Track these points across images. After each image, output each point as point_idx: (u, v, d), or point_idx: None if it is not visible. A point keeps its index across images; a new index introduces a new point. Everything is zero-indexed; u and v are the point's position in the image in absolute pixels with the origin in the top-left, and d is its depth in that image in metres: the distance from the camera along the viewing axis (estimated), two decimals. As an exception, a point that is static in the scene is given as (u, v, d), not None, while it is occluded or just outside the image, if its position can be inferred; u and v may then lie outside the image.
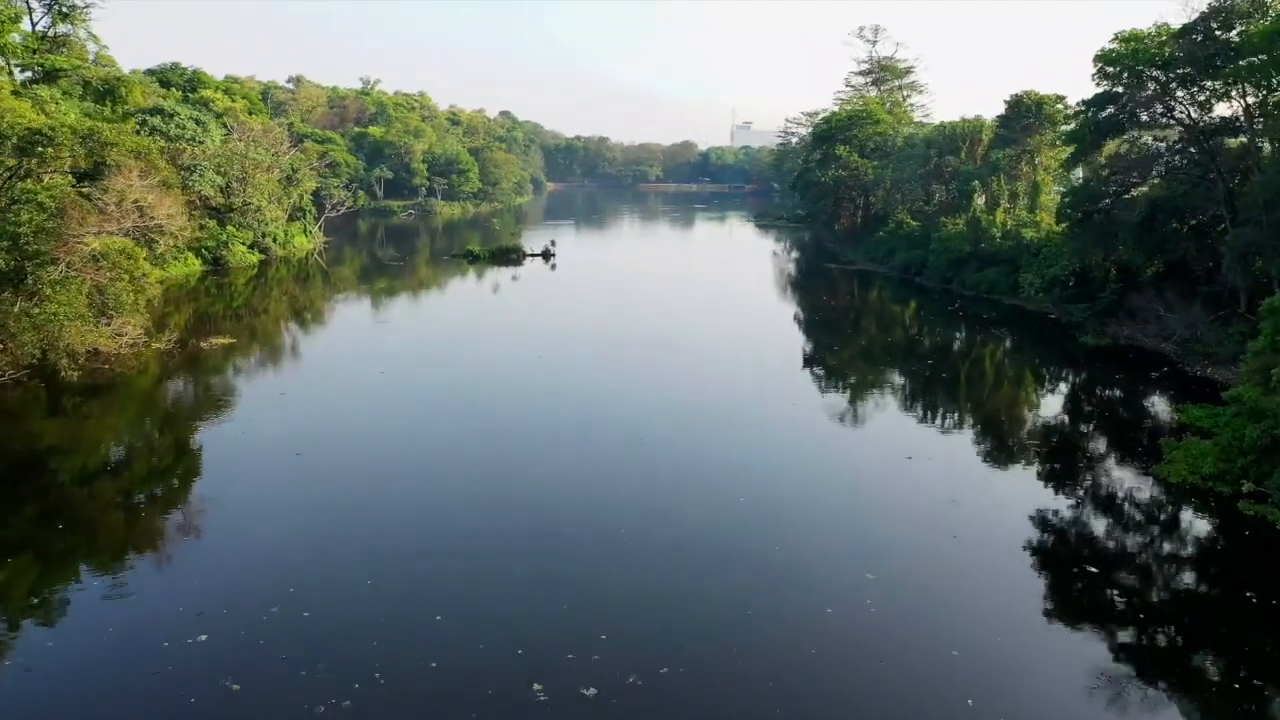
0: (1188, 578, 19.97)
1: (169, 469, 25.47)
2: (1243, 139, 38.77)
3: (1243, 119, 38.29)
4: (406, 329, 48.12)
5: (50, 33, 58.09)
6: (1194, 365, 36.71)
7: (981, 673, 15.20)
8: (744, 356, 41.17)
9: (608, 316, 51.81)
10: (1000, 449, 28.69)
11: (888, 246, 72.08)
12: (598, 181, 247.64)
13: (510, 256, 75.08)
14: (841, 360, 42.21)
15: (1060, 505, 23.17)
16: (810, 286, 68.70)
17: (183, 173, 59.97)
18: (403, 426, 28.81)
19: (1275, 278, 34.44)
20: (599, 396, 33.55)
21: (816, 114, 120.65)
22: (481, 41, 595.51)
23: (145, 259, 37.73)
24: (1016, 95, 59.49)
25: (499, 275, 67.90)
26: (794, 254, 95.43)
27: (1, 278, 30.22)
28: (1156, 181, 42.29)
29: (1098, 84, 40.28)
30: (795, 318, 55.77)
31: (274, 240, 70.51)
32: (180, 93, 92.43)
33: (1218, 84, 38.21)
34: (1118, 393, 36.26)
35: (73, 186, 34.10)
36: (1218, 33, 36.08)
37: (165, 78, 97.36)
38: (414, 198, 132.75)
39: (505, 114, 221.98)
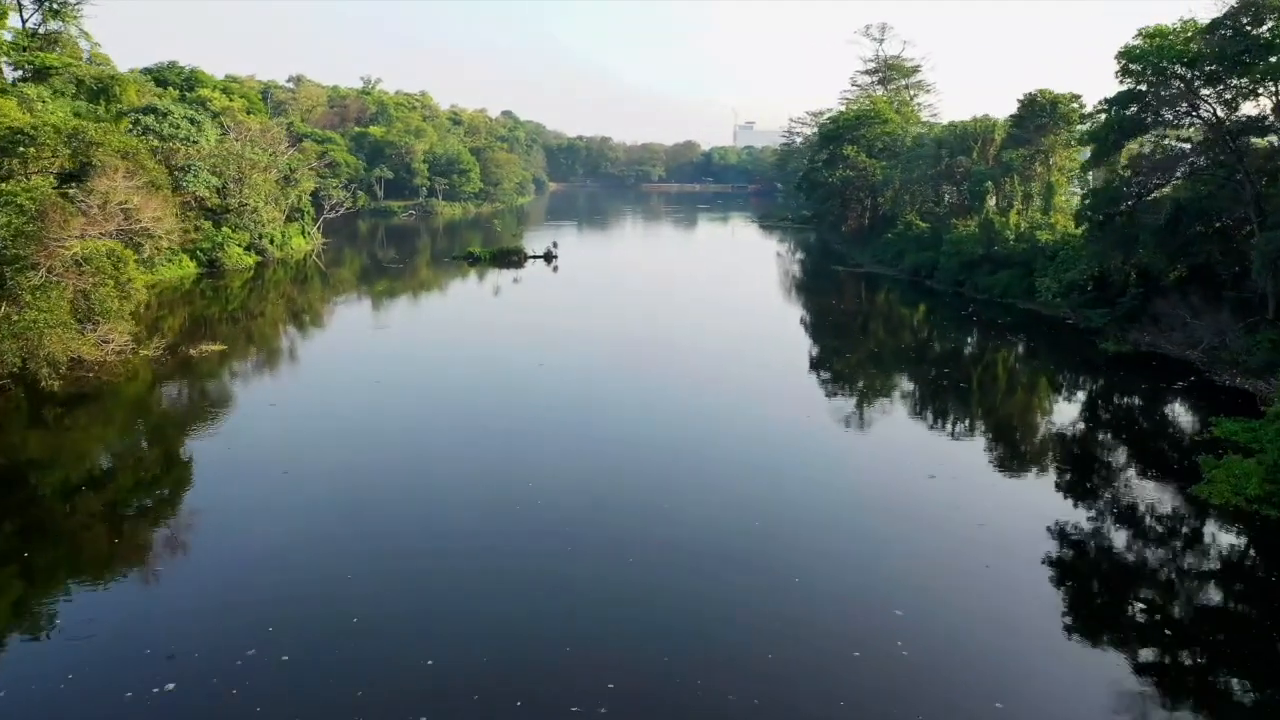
0: (1244, 611, 18.51)
1: (145, 488, 24.11)
2: (1272, 139, 37.35)
3: (1272, 117, 36.85)
4: (403, 335, 46.73)
5: (41, 30, 56.82)
6: (1221, 374, 35.25)
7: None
8: (752, 364, 39.78)
9: (610, 322, 50.42)
10: (1025, 465, 27.24)
11: (896, 248, 70.61)
12: (600, 181, 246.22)
13: (511, 258, 73.74)
14: (853, 367, 40.78)
15: (1096, 530, 21.73)
16: (818, 289, 67.26)
17: (176, 173, 58.74)
18: (397, 442, 27.40)
19: (1308, 283, 33.03)
20: (601, 407, 32.16)
21: (821, 113, 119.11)
22: (483, 41, 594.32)
23: (134, 263, 36.52)
24: (1030, 94, 58.00)
25: (500, 277, 66.55)
26: (800, 256, 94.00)
27: (-22, 283, 28.98)
28: (1179, 182, 40.83)
29: (1121, 81, 38.83)
30: (803, 321, 54.33)
31: (271, 242, 69.18)
32: (177, 92, 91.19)
33: (1245, 81, 36.77)
34: (1144, 403, 34.78)
35: (55, 188, 32.77)
36: (1248, 28, 34.63)
37: (162, 76, 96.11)
38: (415, 198, 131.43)
39: (507, 114, 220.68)
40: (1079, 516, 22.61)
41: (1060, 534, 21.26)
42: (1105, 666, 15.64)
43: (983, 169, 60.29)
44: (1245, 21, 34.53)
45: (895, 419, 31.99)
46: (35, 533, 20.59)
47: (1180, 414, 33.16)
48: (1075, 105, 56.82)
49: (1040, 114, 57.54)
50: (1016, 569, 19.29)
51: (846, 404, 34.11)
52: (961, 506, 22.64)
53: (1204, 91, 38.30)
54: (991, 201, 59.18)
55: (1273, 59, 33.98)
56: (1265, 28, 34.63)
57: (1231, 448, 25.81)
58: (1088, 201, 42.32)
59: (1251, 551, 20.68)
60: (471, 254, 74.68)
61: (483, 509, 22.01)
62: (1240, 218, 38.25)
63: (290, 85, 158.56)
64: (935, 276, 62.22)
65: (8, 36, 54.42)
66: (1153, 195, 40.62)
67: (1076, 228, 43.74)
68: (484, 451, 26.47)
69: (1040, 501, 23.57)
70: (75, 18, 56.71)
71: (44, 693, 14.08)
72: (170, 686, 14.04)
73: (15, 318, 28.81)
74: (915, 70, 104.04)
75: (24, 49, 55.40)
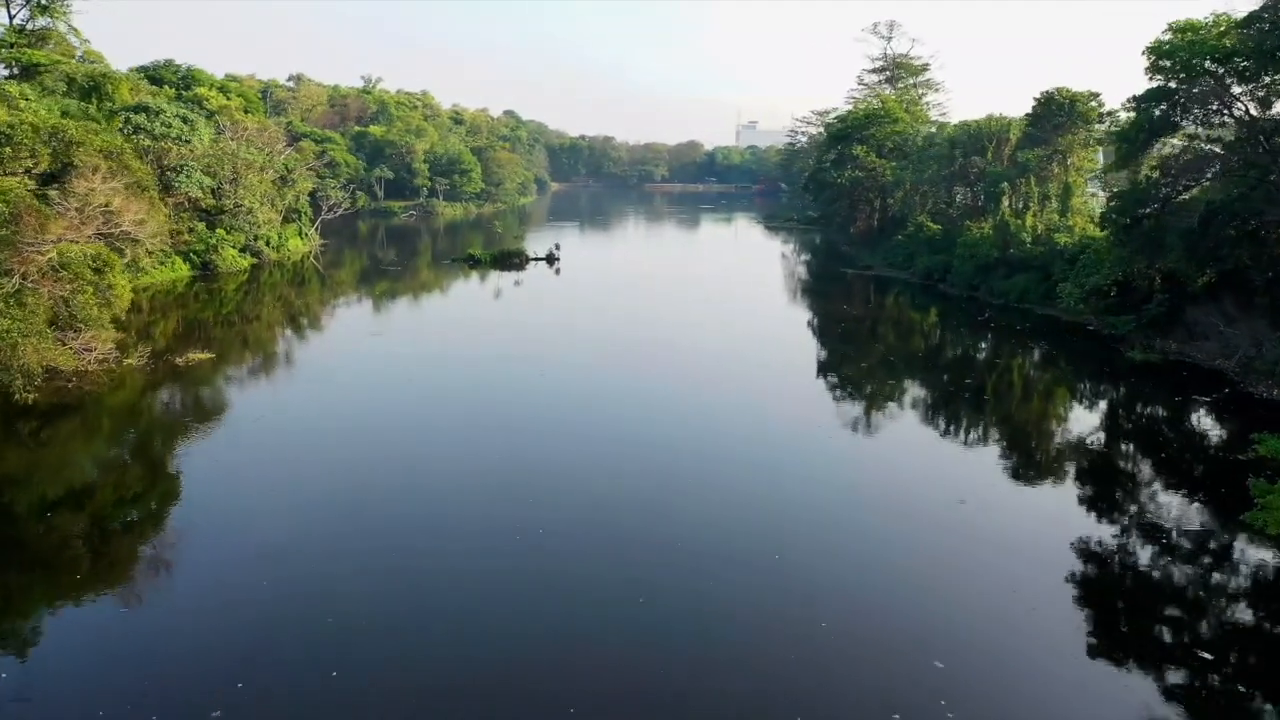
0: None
1: (121, 506, 22.49)
2: (1309, 138, 35.58)
3: (1309, 116, 35.16)
4: (399, 341, 44.98)
5: (29, 26, 55.28)
6: (1257, 386, 33.56)
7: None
8: (763, 373, 38.13)
9: (614, 327, 48.79)
10: (1060, 488, 25.48)
11: (907, 251, 68.90)
12: (603, 181, 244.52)
13: (513, 261, 72.13)
14: (869, 377, 39.04)
15: (1146, 567, 19.99)
16: (827, 292, 65.58)
17: (168, 173, 57.21)
18: (389, 458, 25.75)
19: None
20: (603, 416, 30.55)
21: (827, 112, 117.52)
22: (485, 40, 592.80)
23: (119, 268, 34.94)
24: (1047, 92, 56.24)
25: (501, 280, 64.93)
26: (807, 258, 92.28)
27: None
28: (1209, 184, 39.10)
29: (1150, 78, 37.11)
30: (814, 327, 52.64)
31: (267, 243, 67.59)
32: (173, 91, 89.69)
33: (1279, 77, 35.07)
34: (1178, 417, 33.04)
35: (32, 190, 31.17)
36: (1286, 21, 32.91)
37: (158, 75, 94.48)
38: (415, 198, 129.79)
39: (509, 113, 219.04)
40: (1126, 548, 20.91)
41: (1105, 570, 19.59)
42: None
43: (998, 169, 58.54)
44: (1284, 15, 32.81)
45: (916, 433, 30.29)
46: (4, 551, 19.14)
47: (1218, 429, 31.44)
48: (1094, 104, 55.10)
49: (1058, 113, 55.78)
50: (1053, 606, 17.62)
51: (873, 425, 32.30)
52: (991, 536, 20.97)
53: (1236, 89, 36.60)
54: (1006, 203, 57.42)
55: (1312, 54, 32.30)
56: (1305, 21, 32.92)
57: (1277, 468, 24.14)
58: (1113, 204, 40.56)
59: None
60: (472, 256, 73.06)
61: (483, 529, 20.43)
62: (1274, 221, 36.49)
63: (290, 84, 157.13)
64: (948, 280, 60.53)
65: (-5, 33, 53.02)
66: (1181, 197, 38.87)
67: (1101, 230, 41.96)
68: (484, 466, 24.86)
69: (1080, 529, 21.83)
70: (64, 13, 55.18)
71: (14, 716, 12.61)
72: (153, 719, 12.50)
73: (-13, 327, 27.24)
74: (924, 69, 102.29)
75: (11, 45, 53.86)
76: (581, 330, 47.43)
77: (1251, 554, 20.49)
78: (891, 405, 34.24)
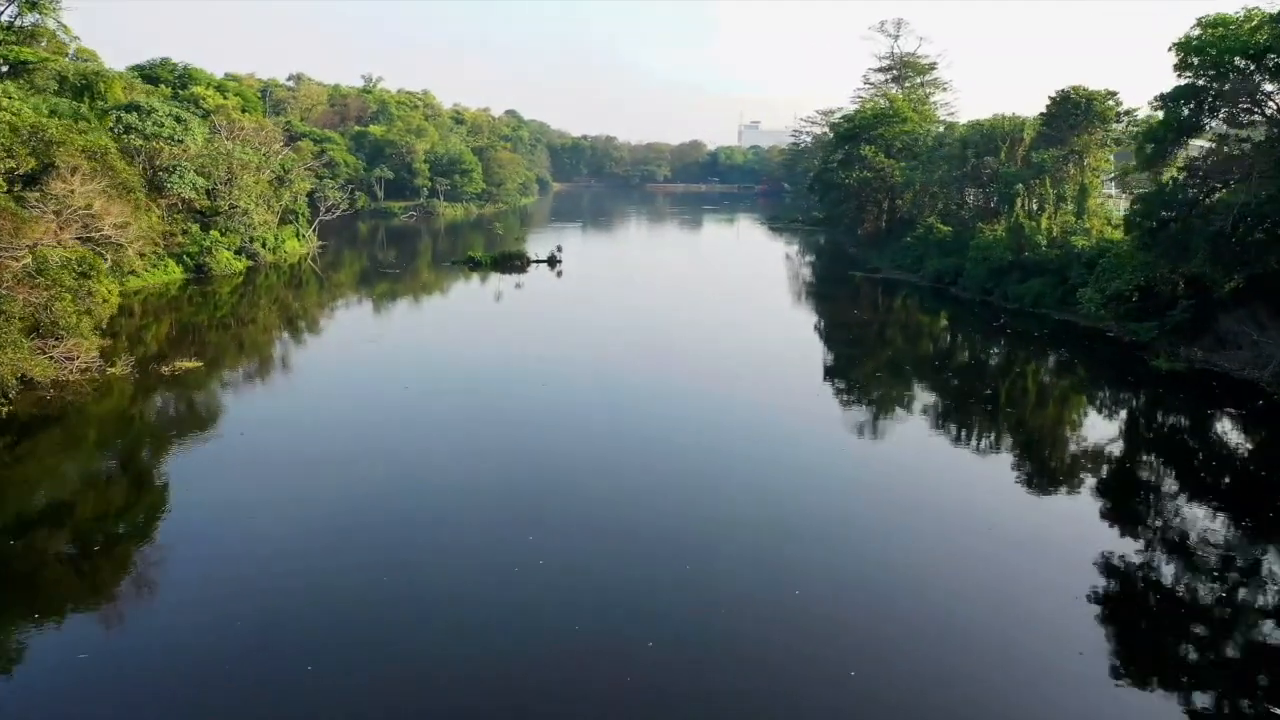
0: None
1: (86, 537, 20.97)
2: (1345, 138, 34.12)
3: (1345, 115, 33.65)
4: (394, 349, 43.35)
5: (17, 23, 53.86)
6: (1293, 397, 32.04)
7: None
8: (773, 381, 36.67)
9: (618, 333, 47.26)
10: (1092, 506, 23.97)
11: (917, 253, 67.38)
12: (604, 182, 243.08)
13: (514, 263, 70.63)
14: (886, 388, 37.42)
15: (1209, 608, 18.35)
16: (836, 296, 64.04)
17: (161, 174, 55.81)
18: (378, 481, 24.24)
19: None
20: (610, 430, 29.04)
21: (831, 112, 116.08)
22: (487, 39, 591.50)
23: (102, 272, 33.52)
24: (1063, 91, 54.74)
25: (501, 283, 63.46)
26: (814, 259, 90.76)
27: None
28: (1238, 185, 37.56)
29: (1179, 76, 35.60)
30: (824, 333, 51.10)
31: (263, 245, 66.18)
32: (170, 90, 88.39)
33: (1314, 75, 33.59)
34: (1215, 432, 31.39)
35: (7, 192, 29.70)
36: (1324, 15, 31.44)
37: (154, 74, 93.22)
38: (415, 199, 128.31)
39: (511, 113, 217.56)
40: (1181, 581, 19.40)
41: (1160, 606, 18.08)
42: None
43: (1013, 170, 56.97)
44: (1322, 9, 31.32)
45: (951, 459, 28.74)
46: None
47: (1252, 444, 29.88)
48: (1112, 103, 53.59)
49: (1074, 112, 54.28)
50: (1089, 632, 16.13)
51: (887, 427, 30.82)
52: (1025, 574, 19.45)
53: (1268, 87, 35.11)
54: (1020, 205, 55.89)
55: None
56: (1344, 16, 31.43)
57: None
58: (1137, 206, 39.01)
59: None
60: (472, 258, 71.57)
61: (483, 553, 18.96)
62: (1307, 224, 35.03)
63: (290, 84, 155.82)
64: (960, 283, 59.01)
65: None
66: (1209, 199, 37.35)
67: (1124, 234, 40.38)
68: (482, 485, 23.37)
69: (1122, 554, 20.32)
70: (53, 10, 53.66)
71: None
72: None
73: (-42, 337, 25.84)
74: (931, 68, 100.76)
75: (-2, 43, 52.56)
76: (584, 336, 45.95)
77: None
78: (913, 416, 32.67)
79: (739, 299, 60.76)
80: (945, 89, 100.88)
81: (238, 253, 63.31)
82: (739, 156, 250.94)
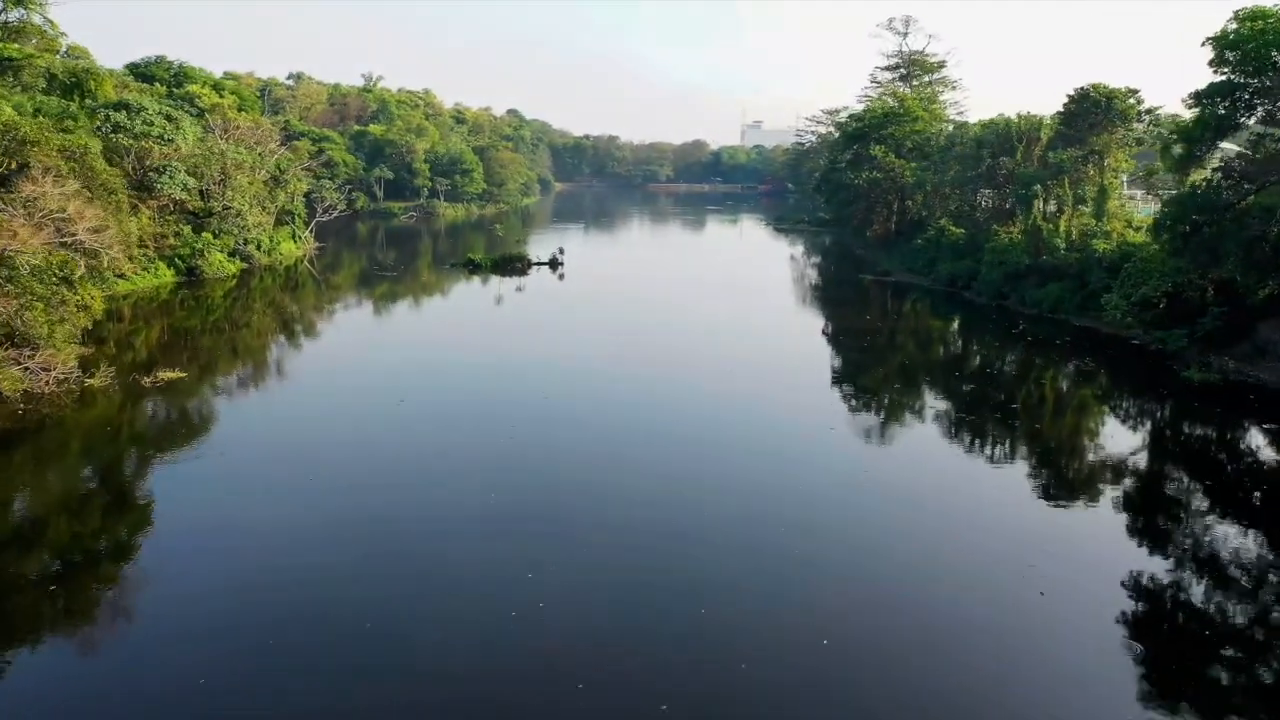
0: None
1: (47, 565, 19.31)
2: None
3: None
4: (388, 358, 41.53)
5: (2, 19, 52.25)
6: (1337, 412, 30.29)
7: None
8: (784, 392, 34.93)
9: (621, 339, 45.54)
10: (1148, 535, 22.22)
11: (928, 256, 65.60)
12: (607, 181, 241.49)
13: (514, 265, 68.93)
14: (908, 401, 35.66)
15: (1246, 633, 16.79)
16: (846, 300, 62.27)
17: (150, 174, 54.22)
18: (360, 509, 22.42)
19: None
20: (613, 447, 27.32)
21: (836, 111, 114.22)
22: (488, 38, 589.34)
23: (81, 278, 31.83)
24: (1082, 89, 52.96)
25: (502, 286, 61.79)
26: (821, 262, 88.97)
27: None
28: (1272, 186, 35.79)
29: (1216, 72, 33.83)
30: (838, 340, 49.29)
31: (257, 247, 64.55)
32: (165, 88, 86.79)
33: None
34: (1263, 451, 29.55)
35: (-23, 194, 28.11)
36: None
37: (149, 72, 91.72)
38: (416, 199, 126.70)
39: (512, 112, 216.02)
40: (1241, 620, 17.66)
41: (1226, 661, 16.34)
42: None
43: (1030, 171, 55.16)
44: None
45: (969, 466, 27.02)
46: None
47: (1300, 462, 28.12)
48: (1133, 101, 51.83)
49: (1093, 110, 52.52)
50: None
51: (919, 463, 28.90)
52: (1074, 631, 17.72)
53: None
54: (1038, 206, 54.14)
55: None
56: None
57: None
58: (1168, 209, 37.21)
59: None
60: (472, 261, 69.86)
61: (478, 587, 17.24)
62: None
63: (290, 83, 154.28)
64: (974, 287, 57.24)
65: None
66: (1243, 202, 35.58)
67: (1155, 237, 38.59)
68: (476, 514, 21.66)
69: (1171, 588, 18.59)
70: (39, 5, 52.03)
71: None
72: None
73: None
74: (940, 66, 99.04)
75: (-17, 39, 50.96)
76: (586, 342, 44.24)
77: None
78: (941, 428, 30.90)
79: (746, 303, 59.01)
80: (954, 87, 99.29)
81: (231, 255, 61.70)
82: (742, 156, 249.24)
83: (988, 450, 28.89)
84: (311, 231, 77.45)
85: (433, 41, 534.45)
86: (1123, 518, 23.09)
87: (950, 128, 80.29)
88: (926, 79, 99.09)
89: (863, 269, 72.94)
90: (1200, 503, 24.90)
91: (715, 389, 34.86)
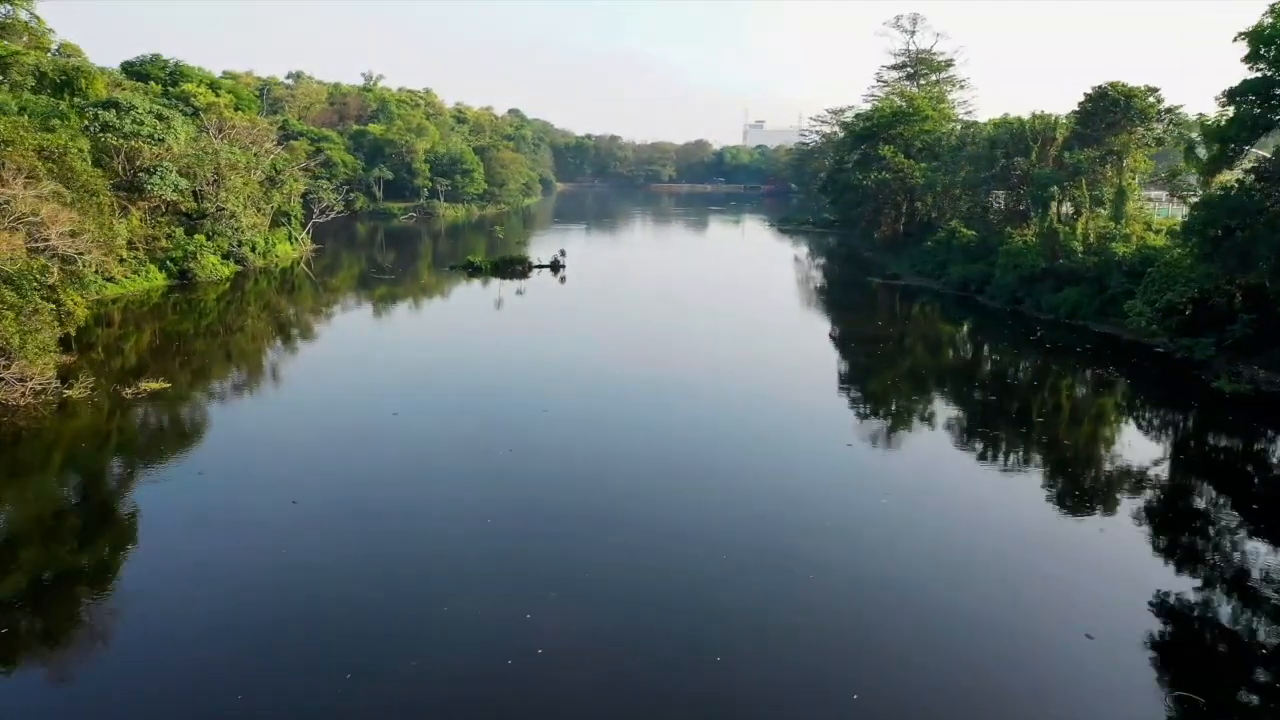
0: None
1: (30, 579, 17.83)
2: None
3: None
4: (383, 364, 39.95)
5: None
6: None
7: None
8: (792, 394, 33.40)
9: (624, 345, 44.02)
10: (1171, 556, 20.68)
11: (939, 258, 64.08)
12: (609, 181, 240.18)
13: (515, 268, 67.47)
14: (920, 409, 34.12)
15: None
16: (855, 305, 60.69)
17: (141, 175, 52.76)
18: (354, 523, 21.03)
19: None
20: (618, 458, 25.80)
21: (841, 111, 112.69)
22: (489, 37, 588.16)
23: (60, 285, 30.35)
24: (1099, 87, 51.44)
25: (502, 289, 60.31)
26: (828, 264, 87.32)
27: None
28: (1305, 189, 34.24)
29: (1252, 68, 32.26)
30: (849, 347, 47.73)
31: (252, 249, 63.15)
32: (160, 87, 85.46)
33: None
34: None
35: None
36: None
37: (144, 71, 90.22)
38: (415, 199, 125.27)
39: (514, 112, 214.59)
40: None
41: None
42: None
43: (1046, 172, 53.58)
44: None
45: (998, 485, 25.46)
46: None
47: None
48: (1152, 100, 50.28)
49: (1111, 110, 50.98)
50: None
51: (943, 482, 27.38)
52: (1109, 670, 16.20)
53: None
54: (1054, 208, 52.58)
55: None
56: None
57: None
58: (1198, 213, 35.63)
59: None
60: (471, 263, 68.39)
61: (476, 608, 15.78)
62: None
63: (289, 82, 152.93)
64: (987, 291, 55.74)
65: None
66: (1276, 205, 34.00)
67: (1183, 241, 37.03)
68: (473, 531, 20.15)
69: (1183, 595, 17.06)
70: (24, 1, 50.55)
71: None
72: None
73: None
74: (948, 65, 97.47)
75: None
76: (588, 348, 42.75)
77: None
78: (969, 443, 29.33)
79: (751, 306, 57.52)
80: (962, 86, 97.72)
81: (225, 257, 60.31)
82: (744, 156, 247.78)
83: (1002, 459, 27.31)
84: (308, 233, 76.02)
85: (433, 41, 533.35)
86: (1160, 535, 21.57)
87: (959, 127, 78.72)
88: (934, 78, 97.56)
89: (870, 271, 71.41)
90: (1229, 518, 23.33)
91: (718, 394, 33.42)
